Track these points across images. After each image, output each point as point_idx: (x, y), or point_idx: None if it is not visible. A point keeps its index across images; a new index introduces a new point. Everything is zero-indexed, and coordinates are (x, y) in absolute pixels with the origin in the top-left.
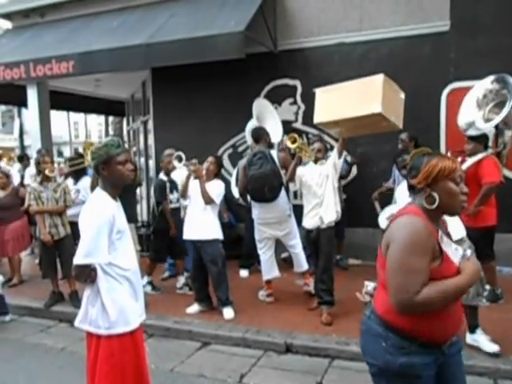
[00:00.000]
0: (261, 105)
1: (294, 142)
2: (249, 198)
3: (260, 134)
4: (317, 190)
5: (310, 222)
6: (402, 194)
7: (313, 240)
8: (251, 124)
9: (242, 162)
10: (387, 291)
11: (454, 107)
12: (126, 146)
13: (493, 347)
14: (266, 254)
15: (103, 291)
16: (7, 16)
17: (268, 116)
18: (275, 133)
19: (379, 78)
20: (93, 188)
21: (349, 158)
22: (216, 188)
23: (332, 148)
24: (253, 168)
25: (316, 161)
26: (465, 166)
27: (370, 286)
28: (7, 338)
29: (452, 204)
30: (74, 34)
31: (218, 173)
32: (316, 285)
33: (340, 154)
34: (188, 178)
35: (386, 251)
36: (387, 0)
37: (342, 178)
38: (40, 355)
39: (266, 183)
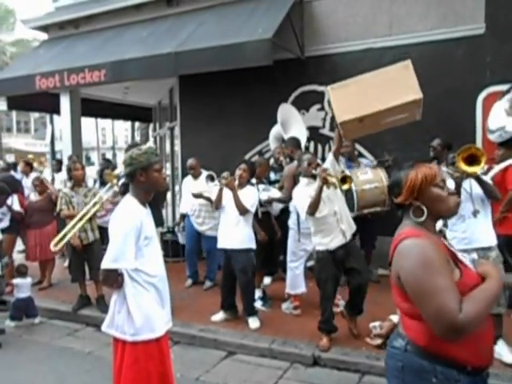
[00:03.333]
0: (286, 110)
1: (344, 180)
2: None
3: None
4: (331, 206)
5: (332, 243)
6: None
7: (341, 259)
8: (275, 129)
9: (291, 169)
10: (421, 319)
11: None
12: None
13: None
14: (297, 269)
15: (129, 297)
16: (44, 28)
17: (293, 121)
18: (300, 138)
19: (407, 64)
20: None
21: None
22: (250, 197)
23: (361, 155)
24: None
25: (314, 176)
26: (492, 174)
27: (377, 327)
28: (36, 340)
29: (445, 208)
30: (106, 44)
31: (250, 179)
32: (352, 302)
33: (337, 159)
34: (221, 190)
35: (399, 281)
36: (417, 4)
37: None
38: (67, 358)
39: None
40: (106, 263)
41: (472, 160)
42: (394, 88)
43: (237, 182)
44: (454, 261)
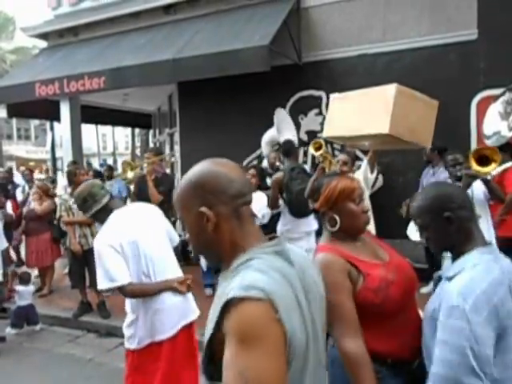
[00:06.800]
0: (281, 115)
1: (318, 148)
2: (287, 213)
3: (291, 148)
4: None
5: None
6: None
7: None
8: (269, 134)
9: (279, 177)
10: None
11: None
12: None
13: None
14: None
15: None
16: (43, 36)
17: (285, 128)
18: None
19: (391, 91)
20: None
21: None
22: (258, 203)
23: (359, 159)
24: (295, 183)
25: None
26: (488, 177)
27: None
28: (38, 347)
29: (355, 224)
30: (105, 51)
31: (260, 185)
32: None
33: (372, 169)
34: None
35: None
36: (411, 11)
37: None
38: (69, 365)
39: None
40: None
41: (483, 160)
42: (371, 115)
43: None
44: (357, 268)
